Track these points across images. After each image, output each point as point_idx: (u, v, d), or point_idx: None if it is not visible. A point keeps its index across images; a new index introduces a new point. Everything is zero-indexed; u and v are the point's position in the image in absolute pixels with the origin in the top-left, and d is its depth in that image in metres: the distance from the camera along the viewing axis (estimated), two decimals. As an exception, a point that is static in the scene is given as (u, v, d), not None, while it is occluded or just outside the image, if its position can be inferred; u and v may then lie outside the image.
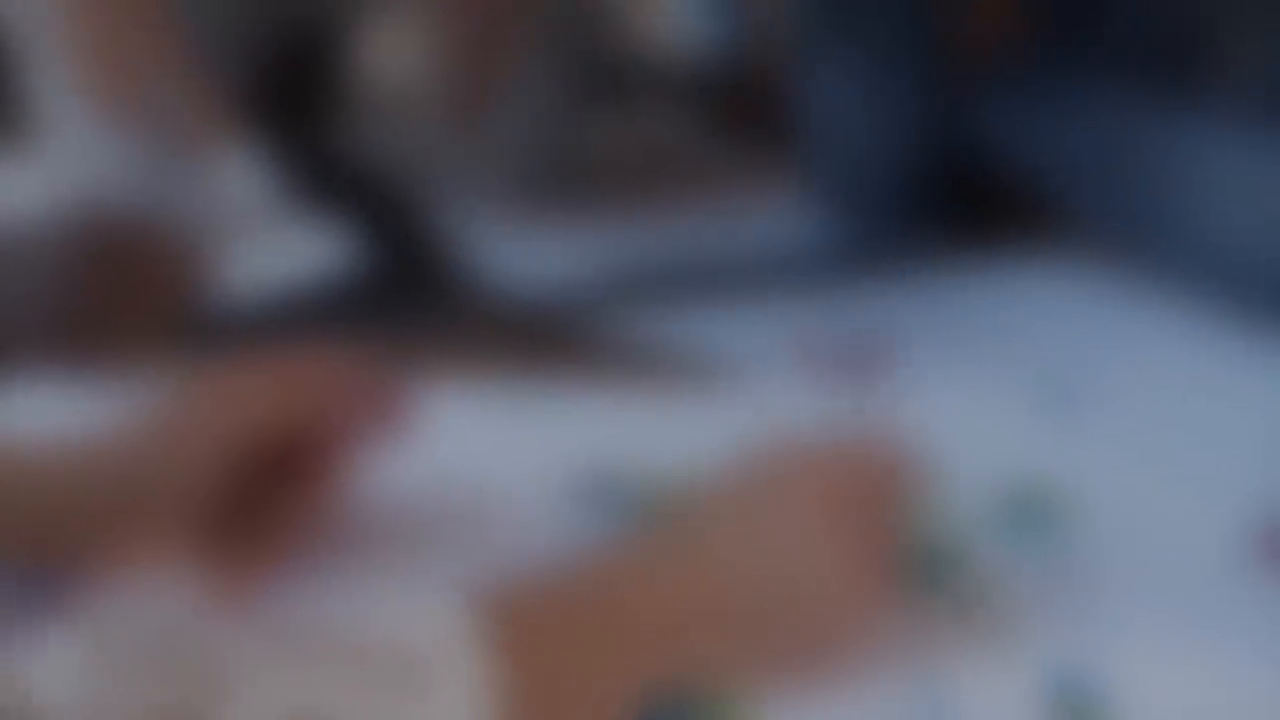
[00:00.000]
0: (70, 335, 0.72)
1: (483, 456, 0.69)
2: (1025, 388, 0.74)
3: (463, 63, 0.91)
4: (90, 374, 0.70)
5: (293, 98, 0.89)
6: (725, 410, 0.74)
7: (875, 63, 0.87)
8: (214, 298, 0.77)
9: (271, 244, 0.78)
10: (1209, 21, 0.82)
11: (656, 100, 0.96)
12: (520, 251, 0.80)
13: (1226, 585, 0.63)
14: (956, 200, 0.85)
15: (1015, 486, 0.68)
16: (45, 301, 0.73)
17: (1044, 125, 0.79)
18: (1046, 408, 0.73)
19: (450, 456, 0.67)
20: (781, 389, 0.76)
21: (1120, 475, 0.69)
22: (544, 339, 0.76)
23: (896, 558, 0.59)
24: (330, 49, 0.94)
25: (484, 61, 0.91)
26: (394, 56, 0.91)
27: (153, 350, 0.71)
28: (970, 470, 0.68)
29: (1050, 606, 0.62)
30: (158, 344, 0.72)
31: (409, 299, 0.78)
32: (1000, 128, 0.81)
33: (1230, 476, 0.68)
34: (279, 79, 0.89)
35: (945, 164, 0.85)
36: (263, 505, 0.58)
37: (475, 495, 0.65)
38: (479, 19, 0.91)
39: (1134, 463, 0.69)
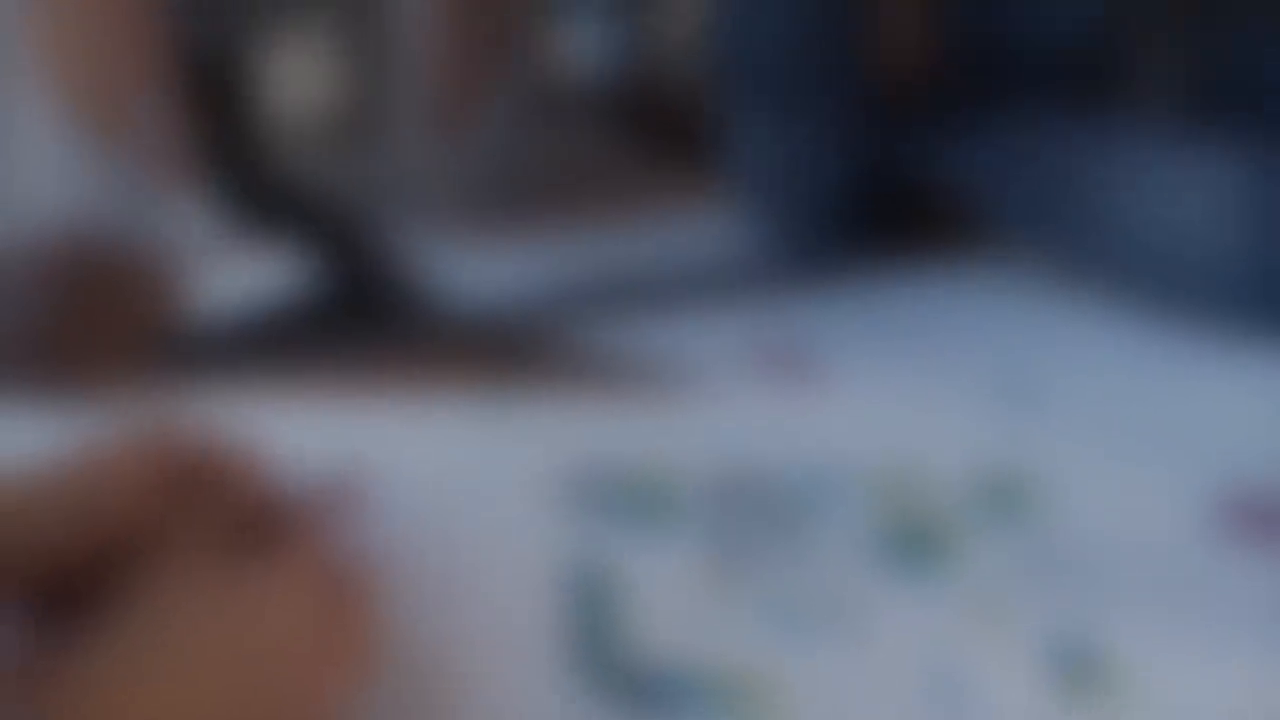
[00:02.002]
0: (38, 359, 0.71)
1: (451, 471, 0.69)
2: (981, 384, 0.76)
3: (444, 85, 0.91)
4: (57, 399, 0.68)
5: (234, 121, 0.88)
6: (685, 415, 0.74)
7: (796, 82, 0.89)
8: (181, 323, 0.76)
9: (231, 269, 0.78)
10: (1126, 32, 0.84)
11: (582, 120, 0.97)
12: (471, 269, 0.80)
13: (1200, 556, 0.65)
14: (886, 215, 0.86)
15: (986, 475, 0.70)
16: (15, 326, 0.71)
17: (969, 139, 0.82)
18: (1005, 401, 0.74)
19: (417, 472, 0.66)
20: (730, 393, 0.77)
21: (1085, 461, 0.71)
22: (501, 354, 0.76)
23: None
24: (267, 66, 0.93)
25: (466, 84, 0.91)
26: (339, 79, 0.91)
27: (122, 375, 0.70)
28: (941, 461, 0.70)
29: (1037, 584, 0.64)
30: (127, 369, 0.71)
31: (365, 320, 0.78)
32: (925, 143, 0.83)
33: (1187, 458, 0.71)
34: (219, 100, 0.89)
35: (872, 180, 0.87)
36: None
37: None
38: (460, 42, 0.91)
39: (1096, 449, 0.71)
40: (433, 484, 0.66)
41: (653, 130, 0.97)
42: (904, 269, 0.83)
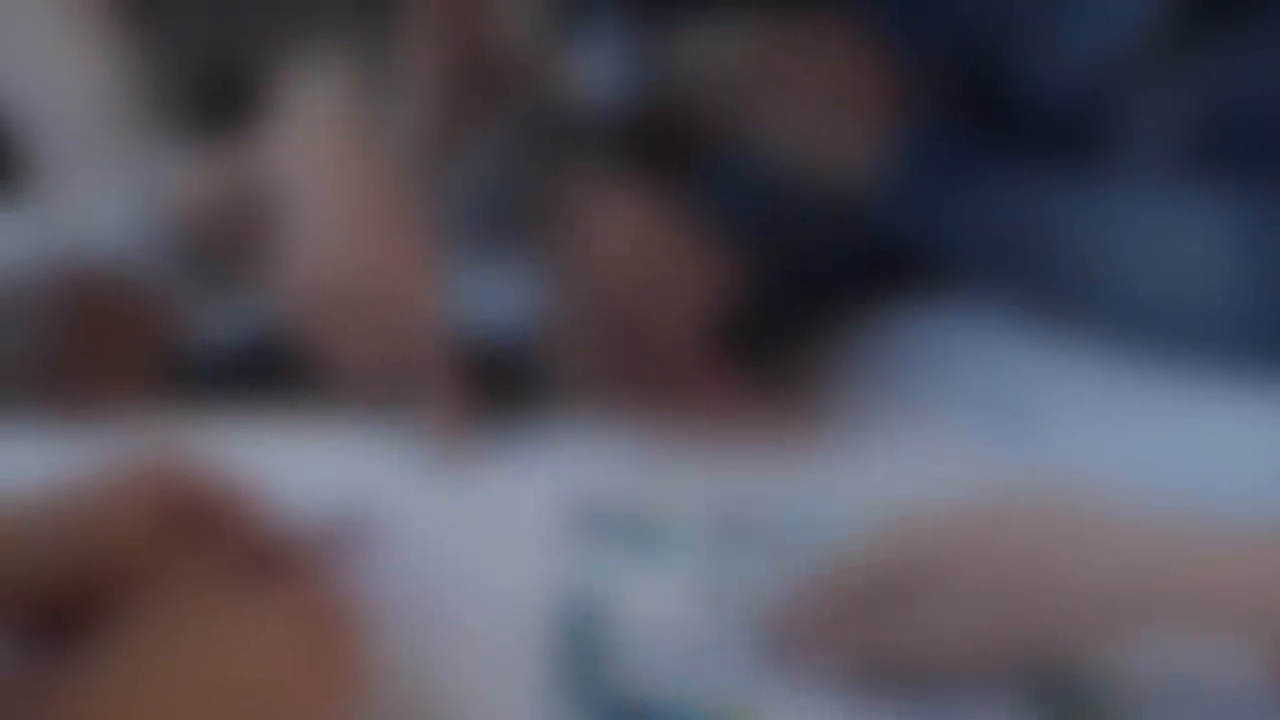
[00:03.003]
0: (45, 386, 0.72)
1: (452, 501, 0.70)
2: (972, 421, 0.76)
3: (437, 112, 0.92)
4: (62, 425, 0.69)
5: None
6: (686, 449, 0.75)
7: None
8: (182, 354, 0.77)
9: (234, 302, 0.78)
10: (1121, 82, 0.85)
11: (579, 147, 0.97)
12: (472, 293, 0.81)
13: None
14: (867, 267, 0.87)
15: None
16: (25, 352, 0.72)
17: (963, 189, 0.82)
18: (997, 444, 0.75)
19: (419, 503, 0.67)
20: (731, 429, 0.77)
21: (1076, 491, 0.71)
22: (505, 379, 0.77)
23: None
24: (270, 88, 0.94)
25: (457, 112, 0.92)
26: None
27: (124, 404, 0.71)
28: (933, 495, 0.70)
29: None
30: (130, 397, 0.72)
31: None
32: (918, 193, 0.83)
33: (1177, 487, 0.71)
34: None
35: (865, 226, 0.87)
36: None
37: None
38: (452, 71, 0.92)
39: (1089, 482, 0.71)
40: (433, 514, 0.67)
41: (660, 157, 0.98)
42: (896, 317, 0.84)
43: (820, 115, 0.88)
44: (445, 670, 0.60)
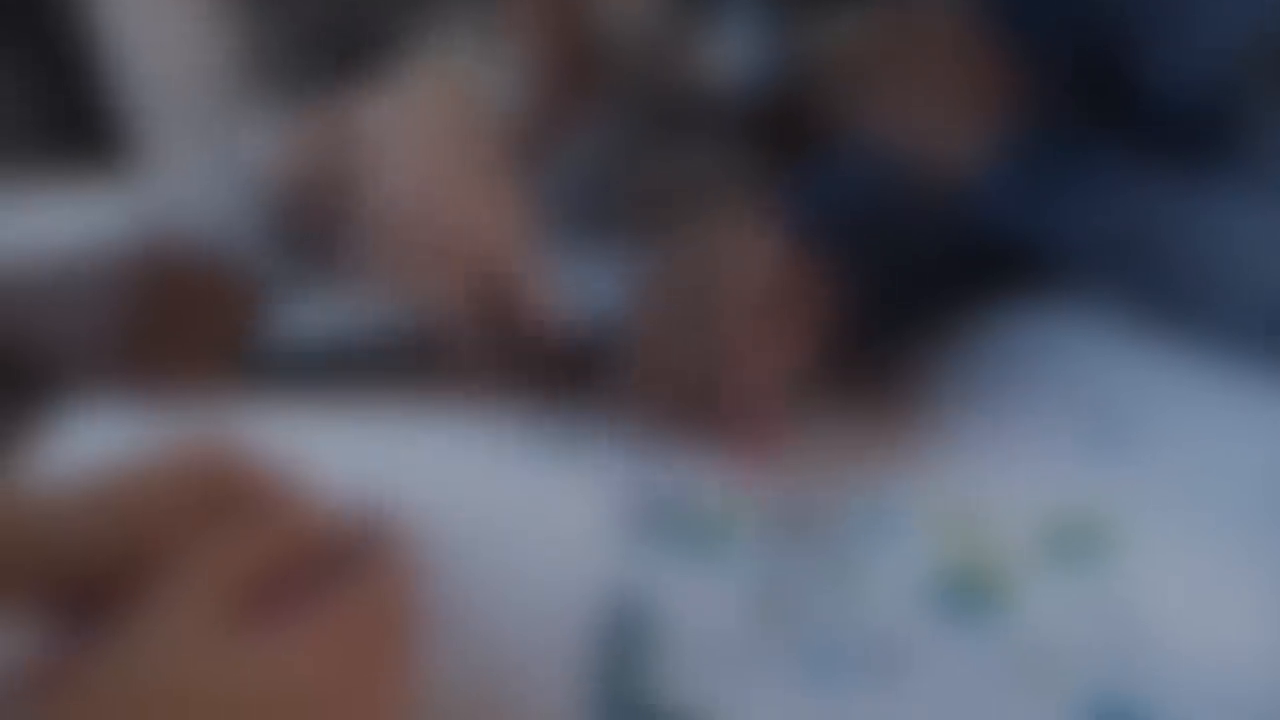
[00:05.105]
0: (124, 363, 0.73)
1: (509, 499, 0.69)
2: (1063, 429, 0.74)
3: (539, 97, 0.92)
4: (136, 403, 0.70)
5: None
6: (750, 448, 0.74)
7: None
8: (254, 344, 0.77)
9: (309, 298, 0.79)
10: (1228, 87, 0.82)
11: (708, 134, 0.97)
12: (572, 283, 0.81)
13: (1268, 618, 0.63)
14: (971, 265, 0.84)
15: (1057, 520, 0.68)
16: (106, 327, 0.74)
17: (1058, 189, 0.80)
18: (1086, 448, 0.73)
19: (477, 499, 0.67)
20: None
21: (1165, 513, 0.69)
22: (596, 369, 0.77)
23: None
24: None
25: (560, 97, 0.92)
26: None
27: (194, 386, 0.72)
28: (1013, 504, 0.68)
29: (1089, 638, 0.62)
30: (200, 381, 0.73)
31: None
32: (1013, 193, 0.81)
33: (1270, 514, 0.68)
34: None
35: (958, 229, 0.85)
36: None
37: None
38: (558, 56, 0.92)
39: (1178, 501, 0.69)
40: (489, 512, 0.67)
41: (778, 148, 0.97)
42: (998, 317, 0.82)
43: (933, 106, 0.86)
44: (486, 667, 0.60)
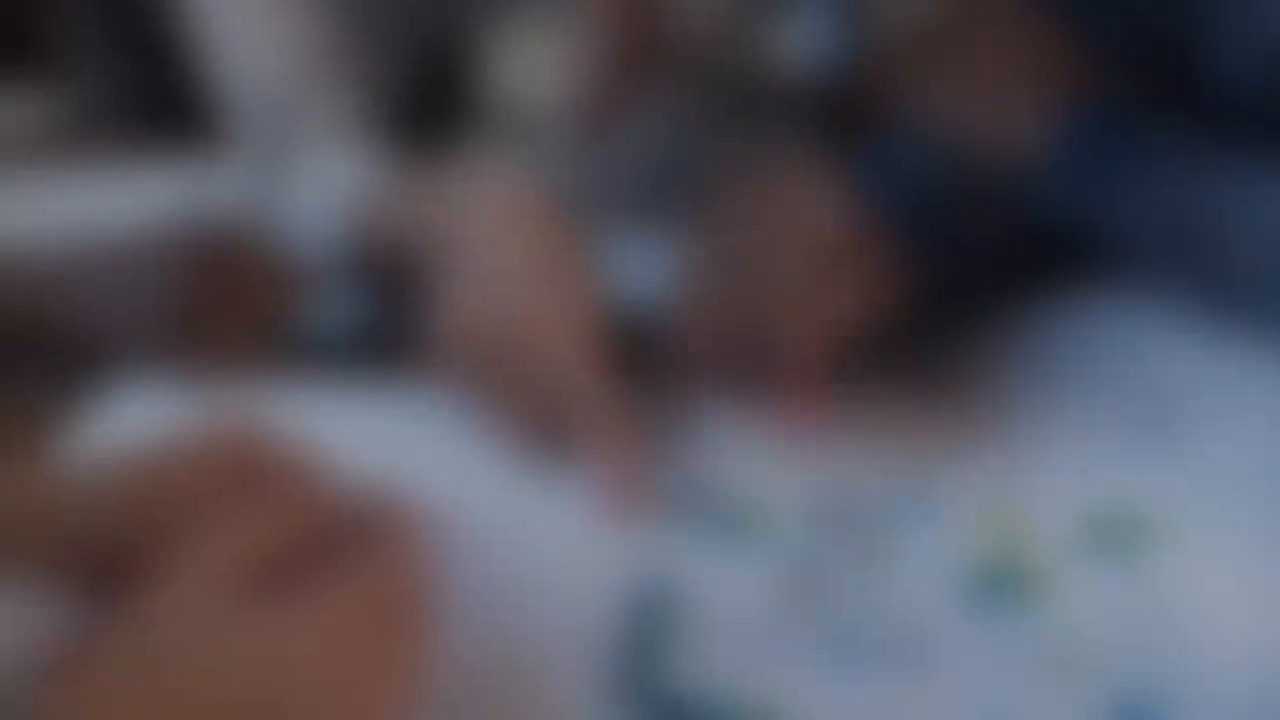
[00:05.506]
0: (171, 341, 0.74)
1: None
2: (1118, 419, 0.73)
3: (598, 77, 0.92)
4: (183, 381, 0.71)
5: (427, 119, 0.90)
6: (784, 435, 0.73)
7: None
8: (291, 329, 0.78)
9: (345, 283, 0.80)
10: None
11: (776, 117, 0.96)
12: (633, 264, 0.81)
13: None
14: (1028, 251, 0.83)
15: (1099, 514, 0.67)
16: (156, 306, 0.75)
17: (1118, 174, 0.78)
18: (1134, 440, 0.72)
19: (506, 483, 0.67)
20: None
21: (1211, 509, 0.68)
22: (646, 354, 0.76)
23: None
24: (461, 67, 0.96)
25: (620, 77, 0.92)
26: (528, 71, 0.92)
27: (232, 367, 0.73)
28: (1055, 497, 0.68)
29: (1121, 635, 0.62)
30: (238, 361, 0.74)
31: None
32: (1072, 178, 0.79)
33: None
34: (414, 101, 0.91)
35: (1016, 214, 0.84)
36: None
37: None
38: (618, 36, 0.92)
39: (1225, 498, 0.68)
40: (517, 495, 0.67)
41: (843, 131, 0.96)
42: (1047, 299, 0.81)
43: (996, 89, 0.85)
44: (503, 649, 0.60)
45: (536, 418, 0.69)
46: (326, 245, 0.79)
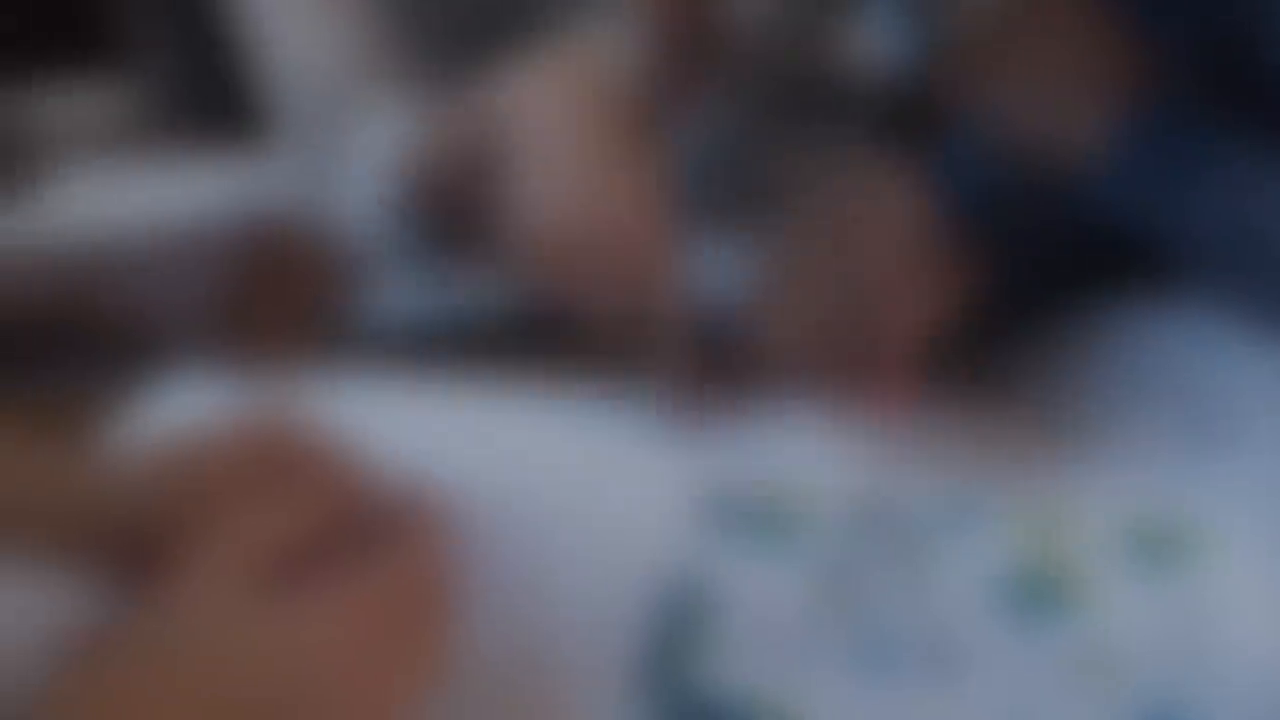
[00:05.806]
0: (222, 331, 0.75)
1: (577, 480, 0.69)
2: (1168, 429, 0.72)
3: (655, 76, 0.92)
4: (232, 372, 0.72)
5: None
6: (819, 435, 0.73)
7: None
8: (354, 319, 0.79)
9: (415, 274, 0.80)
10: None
11: (845, 119, 0.96)
12: (699, 263, 0.81)
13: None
14: (1089, 255, 0.83)
15: (1142, 525, 0.66)
16: (207, 296, 0.76)
17: (1182, 177, 0.77)
18: (1189, 449, 0.71)
19: (543, 481, 0.67)
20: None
21: (1257, 523, 0.67)
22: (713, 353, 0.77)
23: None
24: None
25: (676, 77, 0.92)
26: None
27: (279, 356, 0.74)
28: (1098, 506, 0.67)
29: (1154, 648, 0.61)
30: (285, 351, 0.75)
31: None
32: (1136, 180, 0.78)
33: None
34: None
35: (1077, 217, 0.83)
36: None
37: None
38: (674, 35, 0.92)
39: (1269, 507, 0.67)
40: (556, 490, 0.67)
41: (913, 131, 0.96)
42: (1103, 306, 0.80)
43: (1061, 89, 0.84)
44: (530, 644, 0.60)
45: (605, 287, 0.69)
46: (382, 214, 0.79)
